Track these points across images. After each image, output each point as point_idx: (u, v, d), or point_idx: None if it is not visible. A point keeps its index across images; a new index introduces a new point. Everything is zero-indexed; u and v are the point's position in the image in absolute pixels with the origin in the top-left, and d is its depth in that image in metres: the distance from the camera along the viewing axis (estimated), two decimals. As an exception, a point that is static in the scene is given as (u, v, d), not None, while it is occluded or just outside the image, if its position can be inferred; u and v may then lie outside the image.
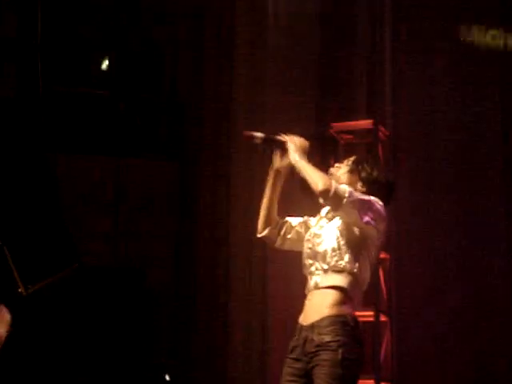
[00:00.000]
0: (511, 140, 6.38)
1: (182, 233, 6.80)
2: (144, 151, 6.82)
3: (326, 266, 3.24)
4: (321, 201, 3.22)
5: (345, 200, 3.14)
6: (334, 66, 6.70)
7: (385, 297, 6.04)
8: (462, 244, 6.40)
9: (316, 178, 3.16)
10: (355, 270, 3.22)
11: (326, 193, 3.13)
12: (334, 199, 3.13)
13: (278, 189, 3.44)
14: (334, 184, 3.16)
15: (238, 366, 6.35)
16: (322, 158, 3.54)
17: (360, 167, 3.41)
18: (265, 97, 6.68)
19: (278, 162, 3.42)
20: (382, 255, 6.09)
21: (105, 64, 6.49)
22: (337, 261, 3.23)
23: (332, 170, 3.41)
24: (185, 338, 6.52)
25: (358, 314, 5.53)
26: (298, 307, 3.30)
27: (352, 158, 3.46)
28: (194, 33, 7.04)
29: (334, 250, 3.24)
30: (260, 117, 6.65)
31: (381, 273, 6.01)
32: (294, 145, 3.30)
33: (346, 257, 3.22)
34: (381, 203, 3.27)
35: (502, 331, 6.20)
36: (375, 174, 3.39)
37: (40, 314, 5.98)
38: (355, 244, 3.24)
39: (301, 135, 6.01)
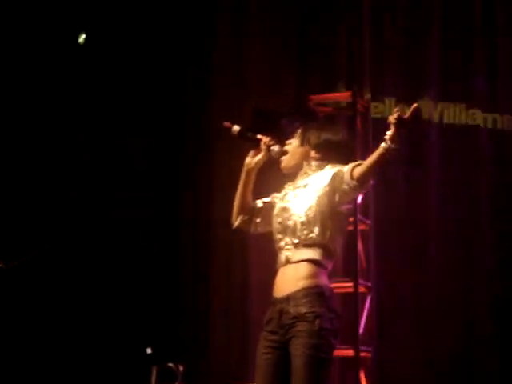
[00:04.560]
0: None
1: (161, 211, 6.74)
2: (125, 125, 6.74)
3: (296, 241, 3.26)
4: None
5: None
6: (314, 38, 6.68)
7: (364, 267, 6.08)
8: (442, 213, 6.42)
9: None
10: (326, 242, 3.24)
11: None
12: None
13: (251, 182, 3.47)
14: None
15: (221, 337, 6.40)
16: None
17: (308, 135, 3.40)
18: (245, 71, 6.67)
19: (250, 157, 3.46)
20: (361, 226, 6.12)
21: (82, 38, 6.42)
22: (307, 234, 3.24)
23: (286, 147, 3.43)
24: (168, 312, 6.55)
25: (337, 284, 5.69)
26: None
27: (299, 130, 3.46)
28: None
29: (303, 223, 3.25)
30: (239, 90, 6.64)
31: (360, 243, 6.04)
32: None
33: (316, 229, 3.24)
34: None
35: (485, 301, 6.23)
36: (323, 135, 3.38)
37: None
38: (324, 215, 3.25)
39: (280, 108, 6.06)
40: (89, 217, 6.53)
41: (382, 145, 3.05)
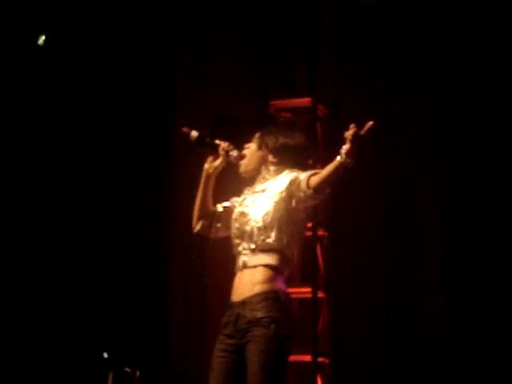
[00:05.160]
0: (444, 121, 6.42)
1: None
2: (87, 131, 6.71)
3: (253, 246, 3.26)
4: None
5: None
6: (275, 43, 6.70)
7: (322, 273, 6.10)
8: (398, 219, 6.45)
9: None
10: (283, 247, 3.24)
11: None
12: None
13: (210, 188, 3.48)
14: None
15: (177, 342, 6.38)
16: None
17: (265, 139, 3.41)
18: (206, 73, 6.67)
19: (208, 163, 3.46)
20: (320, 232, 6.14)
21: (41, 40, 6.37)
22: (263, 239, 3.25)
23: (244, 151, 3.44)
24: (124, 316, 6.52)
25: (295, 290, 5.69)
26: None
27: (257, 134, 3.46)
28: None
29: (259, 228, 3.26)
30: (201, 94, 6.63)
31: (318, 249, 6.06)
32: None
33: (273, 235, 3.25)
34: None
35: (435, 313, 6.25)
36: (281, 139, 3.38)
37: None
38: (281, 221, 3.26)
39: (240, 113, 6.07)
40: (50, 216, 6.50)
41: (338, 158, 3.07)
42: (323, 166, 6.06)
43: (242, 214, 3.34)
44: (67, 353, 6.27)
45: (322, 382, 5.90)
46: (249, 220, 3.30)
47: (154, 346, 6.42)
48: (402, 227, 6.37)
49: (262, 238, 3.25)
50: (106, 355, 5.60)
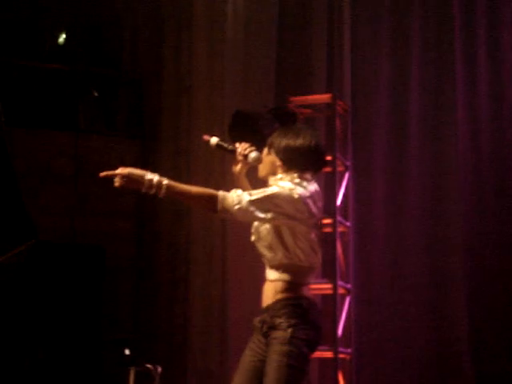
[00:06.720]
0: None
1: (142, 209, 6.78)
2: (103, 127, 6.76)
3: (266, 261, 3.22)
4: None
5: (235, 209, 3.00)
6: (294, 40, 6.68)
7: (343, 269, 6.09)
8: (422, 216, 6.42)
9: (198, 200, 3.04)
10: (293, 262, 3.15)
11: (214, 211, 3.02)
12: (224, 213, 3.02)
13: (246, 185, 3.36)
14: (220, 201, 3.00)
15: (199, 338, 6.39)
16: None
17: (272, 140, 3.19)
18: (224, 70, 6.66)
19: (234, 165, 3.35)
20: (341, 228, 6.12)
21: (62, 37, 6.42)
22: (272, 257, 3.16)
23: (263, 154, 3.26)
24: (146, 313, 6.55)
25: (316, 286, 5.68)
26: (256, 279, 3.30)
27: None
28: (153, 6, 6.99)
29: (266, 247, 3.18)
30: (219, 91, 6.63)
31: (339, 246, 6.04)
32: None
33: (279, 253, 3.15)
34: (288, 187, 3.08)
35: (460, 306, 6.22)
36: (284, 141, 3.15)
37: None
38: (283, 238, 3.13)
39: (260, 109, 6.07)
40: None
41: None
42: (342, 163, 6.13)
43: (255, 230, 3.24)
44: (90, 350, 6.30)
45: (344, 378, 5.89)
46: (258, 237, 3.22)
47: (176, 344, 6.45)
48: (427, 223, 6.36)
49: (271, 255, 3.16)
50: (127, 352, 5.63)
